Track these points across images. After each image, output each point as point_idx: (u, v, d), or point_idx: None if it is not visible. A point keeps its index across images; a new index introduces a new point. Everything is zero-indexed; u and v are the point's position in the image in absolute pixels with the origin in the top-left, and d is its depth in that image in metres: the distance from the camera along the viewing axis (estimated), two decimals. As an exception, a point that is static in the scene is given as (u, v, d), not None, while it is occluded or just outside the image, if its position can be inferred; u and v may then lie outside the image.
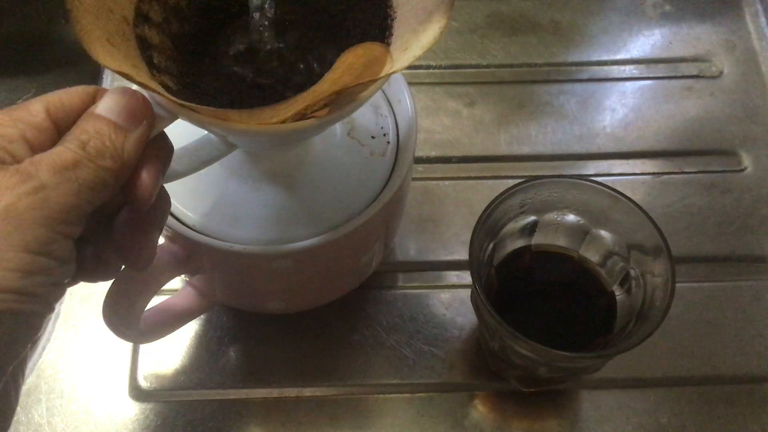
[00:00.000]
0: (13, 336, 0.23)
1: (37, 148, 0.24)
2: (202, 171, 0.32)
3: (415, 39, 0.28)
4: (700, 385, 0.46)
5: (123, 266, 0.30)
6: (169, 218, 0.36)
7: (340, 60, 0.25)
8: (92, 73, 0.56)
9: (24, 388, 0.44)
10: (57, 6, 0.61)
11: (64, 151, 0.24)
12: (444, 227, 0.51)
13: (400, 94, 0.41)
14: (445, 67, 0.59)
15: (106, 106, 0.25)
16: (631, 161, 0.54)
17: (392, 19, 0.31)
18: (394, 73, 0.27)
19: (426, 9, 0.29)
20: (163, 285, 0.37)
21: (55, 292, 0.24)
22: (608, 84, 0.58)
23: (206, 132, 0.31)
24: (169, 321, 0.41)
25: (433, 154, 0.54)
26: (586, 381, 0.46)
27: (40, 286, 0.23)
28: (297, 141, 0.36)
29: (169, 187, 0.30)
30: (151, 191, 0.26)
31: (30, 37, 0.60)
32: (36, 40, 0.60)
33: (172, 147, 0.28)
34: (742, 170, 0.54)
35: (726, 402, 0.45)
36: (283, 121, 0.27)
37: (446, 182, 0.53)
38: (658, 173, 0.54)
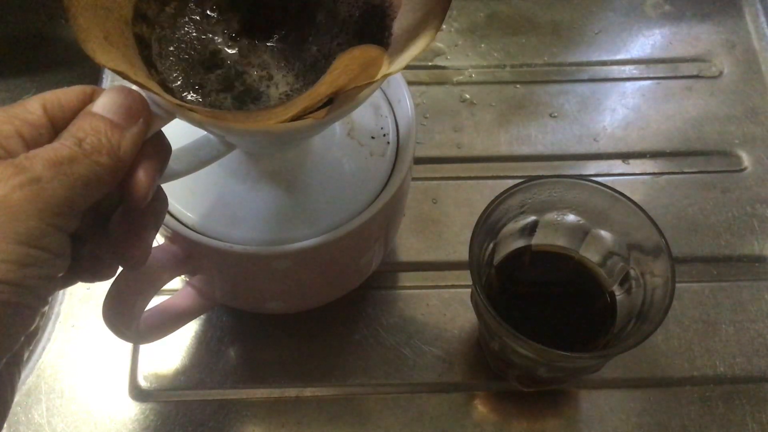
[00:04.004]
0: (5, 328, 0.23)
1: (32, 145, 0.25)
2: (201, 171, 0.32)
3: (412, 40, 0.28)
4: (700, 385, 0.46)
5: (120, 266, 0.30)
6: (169, 218, 0.36)
7: (337, 62, 0.25)
8: (92, 74, 0.57)
9: (24, 388, 0.45)
10: (57, 6, 0.61)
11: (60, 147, 0.24)
12: (444, 227, 0.51)
13: (399, 94, 0.40)
14: (446, 68, 0.59)
15: (102, 104, 0.26)
16: (631, 161, 0.54)
17: (391, 20, 0.31)
18: (390, 75, 0.27)
19: (422, 9, 0.28)
20: (163, 285, 0.37)
21: (49, 285, 0.24)
22: (608, 84, 0.58)
23: (205, 132, 0.31)
24: (169, 321, 0.41)
25: (433, 154, 0.54)
26: (586, 381, 0.46)
27: (33, 279, 0.23)
28: (295, 141, 0.36)
29: (168, 187, 0.30)
30: (147, 190, 0.26)
31: (30, 37, 0.60)
32: (36, 40, 0.60)
33: (169, 147, 0.28)
34: (742, 170, 0.54)
35: (726, 402, 0.45)
36: (281, 122, 0.27)
37: (446, 182, 0.53)
38: (658, 173, 0.54)
